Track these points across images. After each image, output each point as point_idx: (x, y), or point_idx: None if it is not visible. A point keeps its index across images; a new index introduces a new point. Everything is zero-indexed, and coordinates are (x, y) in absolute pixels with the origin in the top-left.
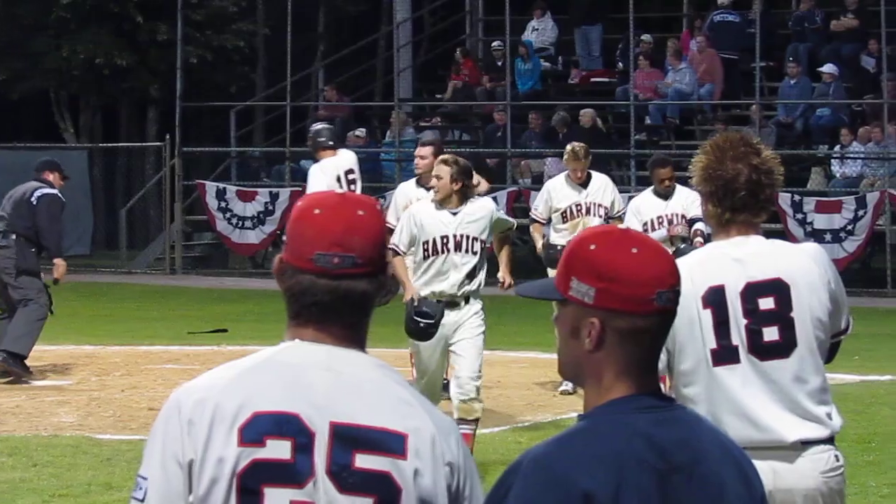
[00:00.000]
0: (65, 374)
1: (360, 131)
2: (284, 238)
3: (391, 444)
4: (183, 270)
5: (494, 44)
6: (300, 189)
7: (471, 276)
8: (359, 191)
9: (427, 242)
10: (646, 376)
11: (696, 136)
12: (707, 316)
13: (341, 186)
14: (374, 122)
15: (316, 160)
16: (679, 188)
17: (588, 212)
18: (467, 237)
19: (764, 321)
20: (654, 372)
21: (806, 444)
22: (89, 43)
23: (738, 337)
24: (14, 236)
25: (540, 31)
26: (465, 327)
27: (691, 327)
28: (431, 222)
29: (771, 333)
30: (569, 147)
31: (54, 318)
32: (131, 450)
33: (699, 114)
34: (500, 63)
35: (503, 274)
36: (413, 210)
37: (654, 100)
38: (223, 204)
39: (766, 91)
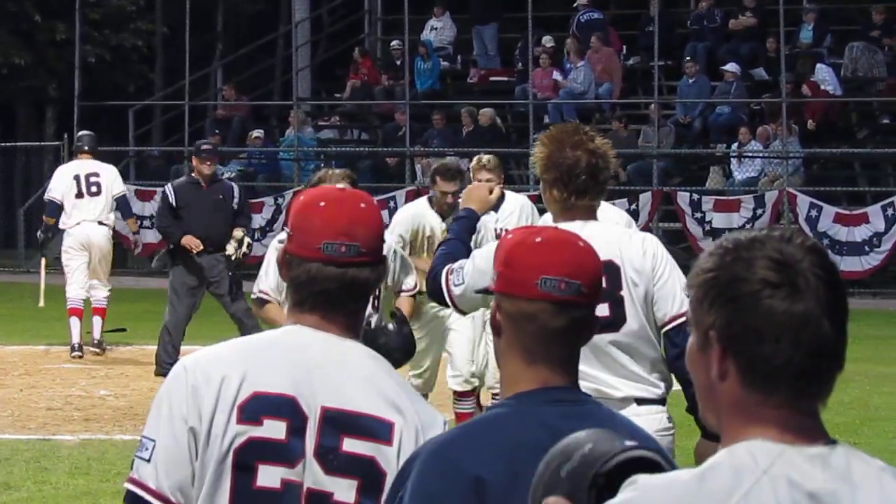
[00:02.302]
0: None
1: (259, 132)
2: (288, 231)
3: (378, 430)
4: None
5: (393, 43)
6: None
7: None
8: (102, 195)
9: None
10: (555, 369)
11: None
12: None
13: (80, 186)
14: (272, 121)
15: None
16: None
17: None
18: None
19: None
20: (565, 365)
21: (640, 402)
22: None
23: (628, 307)
24: None
25: (439, 30)
26: (456, 320)
27: None
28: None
29: (602, 310)
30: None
31: None
32: (29, 449)
33: (597, 113)
34: (398, 62)
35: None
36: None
37: (552, 99)
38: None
39: (664, 90)
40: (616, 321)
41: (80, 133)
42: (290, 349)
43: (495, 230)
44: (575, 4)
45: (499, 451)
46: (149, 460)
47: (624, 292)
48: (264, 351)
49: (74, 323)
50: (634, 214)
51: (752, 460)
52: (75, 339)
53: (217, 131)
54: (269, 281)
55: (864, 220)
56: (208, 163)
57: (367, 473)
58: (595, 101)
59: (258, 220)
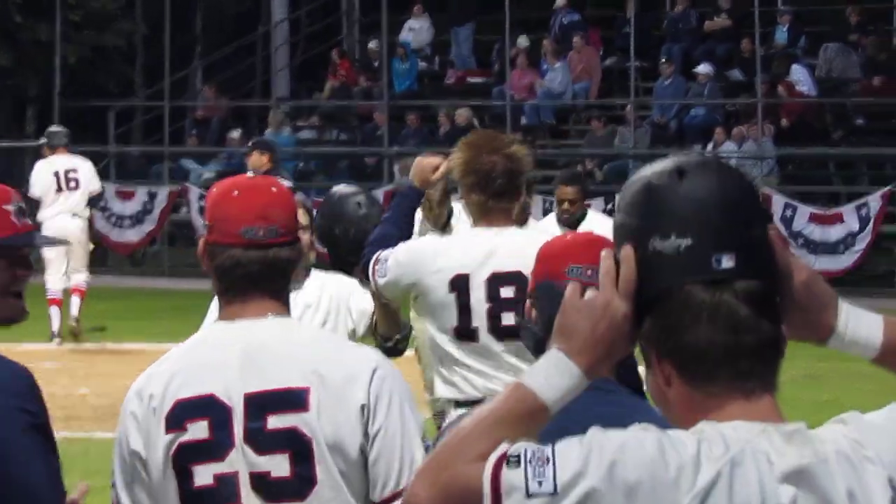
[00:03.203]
0: None
1: (236, 132)
2: (206, 223)
3: (294, 400)
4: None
5: (371, 44)
6: (178, 188)
7: None
8: (80, 189)
9: None
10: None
11: (572, 136)
12: (452, 298)
13: (59, 182)
14: (252, 121)
15: (44, 156)
16: (591, 214)
17: None
18: None
19: (504, 307)
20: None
21: None
22: None
23: (478, 319)
24: None
25: (416, 31)
26: None
27: (442, 308)
28: None
29: (508, 318)
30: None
31: None
32: None
33: (573, 113)
34: (376, 63)
35: None
36: None
37: (528, 100)
38: (102, 203)
39: (640, 91)
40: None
41: (54, 129)
42: (212, 348)
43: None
44: (554, 6)
45: None
46: (113, 485)
47: None
48: (187, 358)
49: (55, 312)
50: (610, 214)
51: (737, 433)
52: (55, 327)
53: (195, 132)
54: None
55: (838, 220)
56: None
57: (294, 443)
58: (571, 102)
59: None
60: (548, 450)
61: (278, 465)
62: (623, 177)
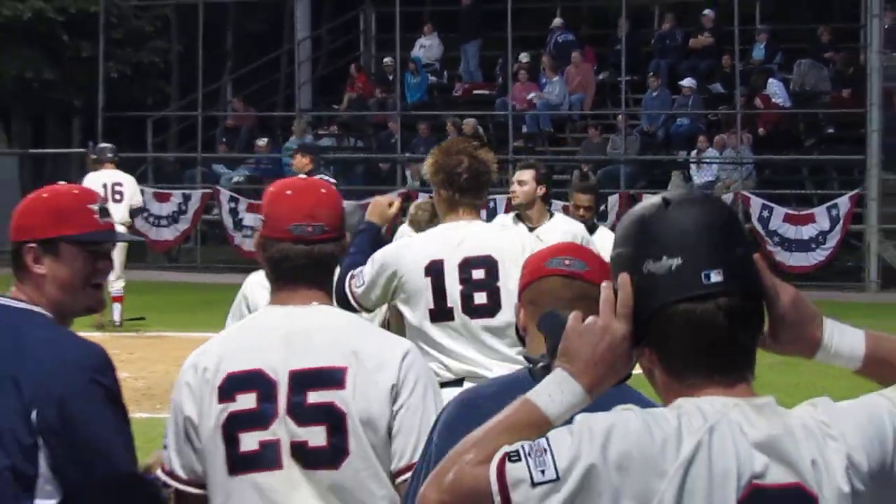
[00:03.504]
0: None
1: (262, 140)
2: (262, 218)
3: (333, 378)
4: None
5: (385, 60)
6: (210, 191)
7: None
8: (124, 202)
9: None
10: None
11: (568, 143)
12: (427, 282)
13: (106, 194)
14: (276, 130)
15: (93, 170)
16: (602, 230)
17: None
18: None
19: (475, 288)
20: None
21: None
22: (18, 59)
23: (452, 300)
24: None
25: (427, 48)
26: None
27: (418, 293)
28: None
29: (480, 298)
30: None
31: None
32: None
33: (570, 122)
34: (390, 77)
35: None
36: None
37: (529, 110)
38: (144, 214)
39: (630, 102)
40: (492, 308)
41: (103, 145)
42: (261, 329)
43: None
44: (551, 26)
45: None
46: (165, 447)
47: (500, 283)
48: (238, 336)
49: (116, 307)
50: (604, 215)
51: (712, 406)
52: (116, 316)
53: (224, 139)
54: None
55: (811, 220)
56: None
57: (330, 417)
58: (567, 113)
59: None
60: (543, 441)
61: (316, 436)
62: (615, 180)
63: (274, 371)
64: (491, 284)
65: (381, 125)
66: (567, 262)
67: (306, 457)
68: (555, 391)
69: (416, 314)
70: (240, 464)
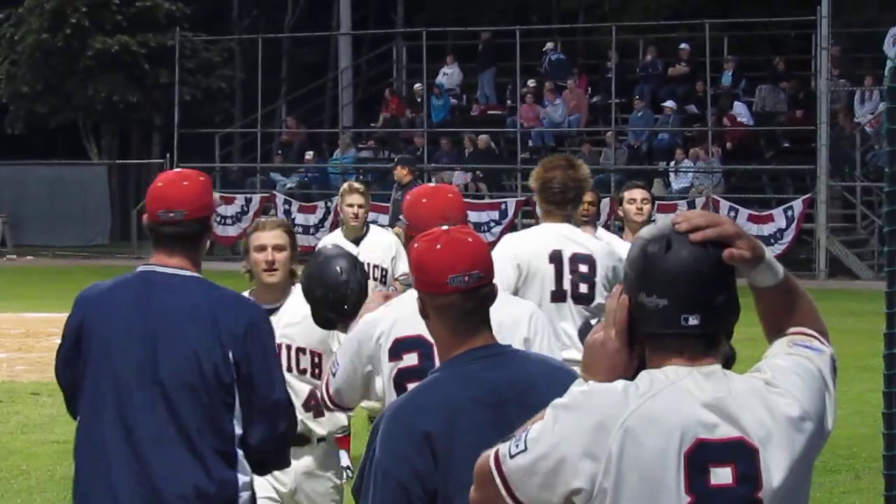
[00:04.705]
0: None
1: (310, 154)
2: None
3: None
4: None
5: (415, 85)
6: (267, 195)
7: None
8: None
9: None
10: (475, 336)
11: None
12: (550, 269)
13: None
14: (323, 144)
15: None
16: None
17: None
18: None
19: (581, 279)
20: (482, 331)
21: None
22: (108, 84)
23: (566, 285)
24: None
25: (449, 75)
26: None
27: (539, 276)
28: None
29: (583, 288)
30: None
31: None
32: None
33: (568, 138)
34: (418, 100)
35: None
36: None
37: (535, 127)
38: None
39: (619, 121)
40: (589, 297)
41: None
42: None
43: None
44: (544, 49)
45: (439, 407)
46: (334, 375)
47: (596, 278)
48: (405, 307)
49: None
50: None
51: (665, 376)
52: None
53: (280, 152)
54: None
55: (770, 220)
56: (398, 169)
57: None
58: (567, 130)
59: (311, 219)
60: (528, 427)
61: None
62: (606, 187)
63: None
64: (590, 278)
65: (410, 140)
66: (467, 278)
67: None
68: None
69: (533, 295)
70: (401, 379)
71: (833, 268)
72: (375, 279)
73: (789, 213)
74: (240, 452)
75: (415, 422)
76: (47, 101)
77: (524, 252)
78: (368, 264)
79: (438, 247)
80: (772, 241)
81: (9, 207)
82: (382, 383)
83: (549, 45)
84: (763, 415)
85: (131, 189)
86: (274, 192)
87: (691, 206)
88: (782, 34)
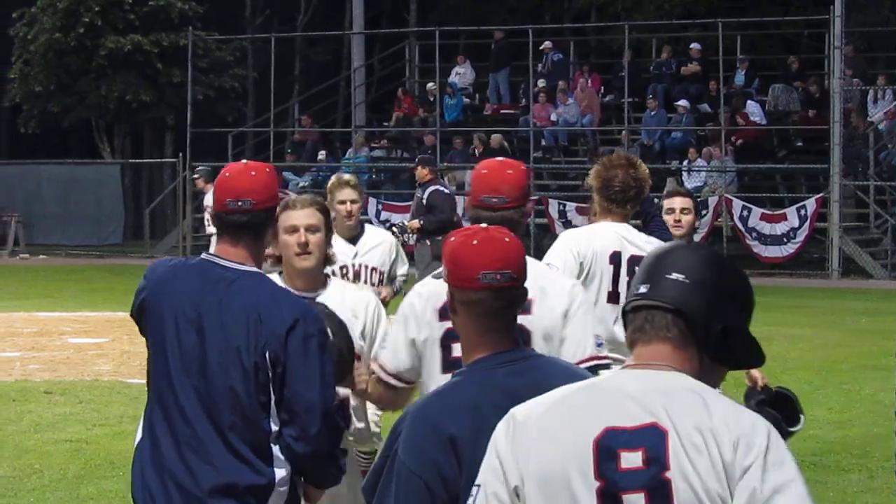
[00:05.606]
0: (103, 333)
1: (322, 153)
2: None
3: (525, 306)
4: (193, 255)
5: (428, 85)
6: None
7: None
8: None
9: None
10: (501, 338)
11: (579, 154)
12: (609, 269)
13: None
14: (336, 143)
15: (202, 189)
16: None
17: (357, 276)
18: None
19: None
20: (508, 334)
21: None
22: (121, 84)
23: (623, 287)
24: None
25: (461, 74)
26: None
27: (598, 275)
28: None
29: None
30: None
31: (95, 291)
32: None
33: (581, 137)
34: (431, 99)
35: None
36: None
37: (547, 127)
38: None
39: (632, 120)
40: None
41: (206, 167)
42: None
43: (353, 265)
44: (541, 48)
45: (465, 411)
46: (385, 348)
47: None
48: (436, 282)
49: None
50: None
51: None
52: None
53: (290, 150)
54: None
55: (783, 219)
56: (419, 169)
57: (520, 334)
58: (580, 129)
59: None
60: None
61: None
62: None
63: None
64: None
65: (423, 139)
66: (499, 276)
67: None
68: None
69: (590, 294)
70: (451, 366)
71: (846, 267)
72: (373, 283)
73: (802, 212)
74: (275, 448)
75: (441, 424)
76: (60, 100)
77: (587, 250)
78: (366, 267)
79: (474, 242)
80: (784, 240)
81: (22, 206)
82: (424, 351)
83: (548, 44)
84: (695, 409)
85: (144, 188)
86: (287, 191)
87: (703, 204)
88: (795, 33)
